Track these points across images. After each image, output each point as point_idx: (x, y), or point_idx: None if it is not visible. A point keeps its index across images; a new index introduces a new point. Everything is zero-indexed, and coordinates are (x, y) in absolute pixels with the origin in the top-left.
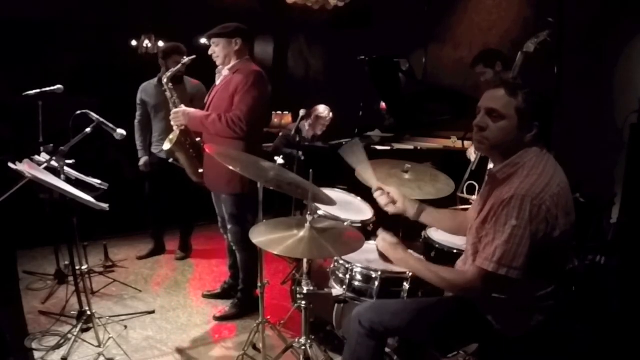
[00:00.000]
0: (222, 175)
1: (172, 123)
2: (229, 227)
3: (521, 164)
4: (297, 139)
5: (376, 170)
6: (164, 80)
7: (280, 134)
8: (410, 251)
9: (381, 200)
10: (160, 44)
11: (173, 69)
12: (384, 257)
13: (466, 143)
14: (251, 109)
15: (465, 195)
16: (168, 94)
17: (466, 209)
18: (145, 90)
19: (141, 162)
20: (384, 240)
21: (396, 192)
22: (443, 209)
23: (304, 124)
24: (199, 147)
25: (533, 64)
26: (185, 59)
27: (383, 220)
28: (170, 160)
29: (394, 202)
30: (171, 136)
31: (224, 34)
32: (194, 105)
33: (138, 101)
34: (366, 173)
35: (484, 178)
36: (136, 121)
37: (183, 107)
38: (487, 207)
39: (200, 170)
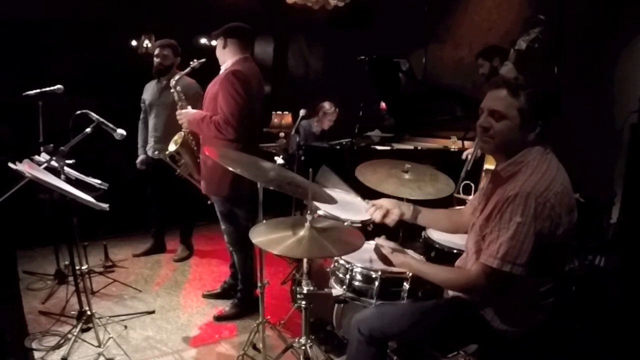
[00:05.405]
0: (213, 177)
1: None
2: (222, 227)
3: (525, 162)
4: (297, 139)
5: (376, 170)
6: (172, 83)
7: (281, 134)
8: (410, 252)
9: (375, 216)
10: None
11: (182, 72)
12: (384, 260)
13: (466, 143)
14: (234, 111)
15: (462, 196)
16: (176, 96)
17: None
18: (146, 89)
19: (138, 159)
20: (382, 248)
21: (388, 201)
22: (437, 209)
23: (312, 121)
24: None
25: (531, 63)
26: (195, 62)
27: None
28: (156, 153)
29: (389, 213)
30: (176, 137)
31: (214, 34)
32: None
33: (141, 101)
34: (350, 193)
35: (479, 178)
36: (140, 120)
37: (188, 109)
38: (490, 205)
39: None
